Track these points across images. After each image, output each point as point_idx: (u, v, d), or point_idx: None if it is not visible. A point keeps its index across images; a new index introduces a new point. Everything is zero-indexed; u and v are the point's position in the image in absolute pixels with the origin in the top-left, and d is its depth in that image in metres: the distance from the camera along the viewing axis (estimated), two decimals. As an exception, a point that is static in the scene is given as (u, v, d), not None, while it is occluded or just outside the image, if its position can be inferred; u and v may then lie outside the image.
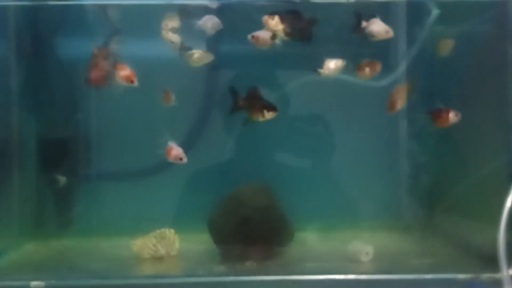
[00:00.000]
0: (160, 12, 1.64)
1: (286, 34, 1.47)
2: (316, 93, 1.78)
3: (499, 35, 1.46)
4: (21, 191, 1.69)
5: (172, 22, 1.58)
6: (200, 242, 1.58)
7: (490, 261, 1.26)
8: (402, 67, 1.81)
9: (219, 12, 1.78)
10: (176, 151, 1.49)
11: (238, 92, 1.61)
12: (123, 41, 1.64)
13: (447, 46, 1.59)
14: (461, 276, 1.31)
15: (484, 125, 1.54)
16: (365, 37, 1.49)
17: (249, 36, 1.47)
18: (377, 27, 1.46)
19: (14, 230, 1.65)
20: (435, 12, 1.62)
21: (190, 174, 1.75)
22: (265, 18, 1.48)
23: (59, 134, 1.79)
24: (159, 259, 1.52)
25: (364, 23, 1.48)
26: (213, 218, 1.58)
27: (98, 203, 1.77)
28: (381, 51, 1.77)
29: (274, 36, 1.46)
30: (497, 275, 1.27)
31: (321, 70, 1.52)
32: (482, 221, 1.47)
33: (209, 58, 1.58)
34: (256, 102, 1.55)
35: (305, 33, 1.53)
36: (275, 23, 1.46)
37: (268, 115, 1.52)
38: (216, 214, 1.58)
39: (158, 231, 1.54)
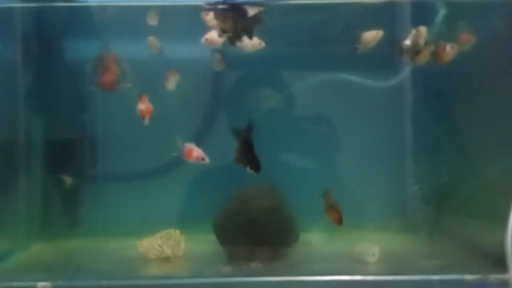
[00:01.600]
0: (166, 13, 1.65)
1: (222, 31, 1.40)
2: (322, 94, 1.78)
3: (508, 35, 1.45)
4: (29, 192, 1.70)
5: (152, 21, 1.58)
6: (206, 243, 1.58)
7: (498, 262, 1.25)
8: (408, 68, 1.80)
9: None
10: (197, 152, 1.48)
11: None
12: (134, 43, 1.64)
13: (468, 41, 1.53)
14: (469, 277, 1.30)
15: (492, 124, 1.53)
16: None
17: (202, 40, 1.44)
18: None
19: (22, 231, 1.66)
20: (442, 12, 1.61)
21: (196, 175, 1.76)
22: (203, 14, 1.42)
23: (65, 135, 1.80)
24: (165, 259, 1.52)
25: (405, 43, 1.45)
26: (219, 219, 1.58)
27: (104, 204, 1.77)
28: (387, 52, 1.77)
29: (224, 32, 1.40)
30: (505, 276, 1.26)
31: (359, 45, 1.47)
32: (490, 222, 1.46)
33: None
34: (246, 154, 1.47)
35: (245, 31, 1.44)
36: (209, 19, 1.40)
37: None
38: (222, 215, 1.58)
39: (164, 231, 1.55)
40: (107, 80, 1.51)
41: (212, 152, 1.77)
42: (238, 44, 1.44)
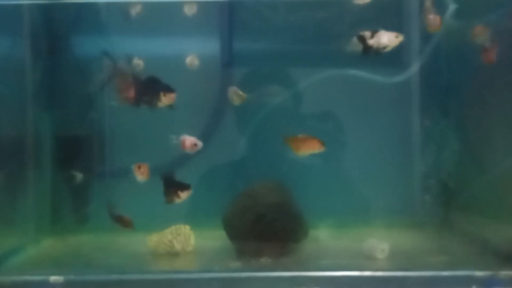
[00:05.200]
0: (173, 10, 1.65)
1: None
2: (329, 90, 1.78)
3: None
4: (38, 188, 1.71)
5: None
6: (215, 238, 1.59)
7: (508, 259, 1.25)
8: (416, 64, 1.79)
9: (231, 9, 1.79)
10: (189, 140, 1.48)
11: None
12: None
13: (482, 33, 1.51)
14: (479, 273, 1.29)
15: (501, 121, 1.52)
16: (378, 53, 1.45)
17: None
18: (387, 37, 1.42)
19: (32, 226, 1.67)
20: (452, 6, 1.60)
21: (205, 171, 1.76)
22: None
23: (74, 132, 1.81)
24: (174, 255, 1.53)
25: (371, 41, 1.43)
26: (228, 215, 1.58)
27: (113, 200, 1.78)
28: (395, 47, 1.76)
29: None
30: (515, 273, 1.25)
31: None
32: (499, 218, 1.45)
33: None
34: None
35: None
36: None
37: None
38: (231, 211, 1.58)
39: (173, 227, 1.55)
40: (133, 95, 1.51)
41: (221, 148, 1.79)
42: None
